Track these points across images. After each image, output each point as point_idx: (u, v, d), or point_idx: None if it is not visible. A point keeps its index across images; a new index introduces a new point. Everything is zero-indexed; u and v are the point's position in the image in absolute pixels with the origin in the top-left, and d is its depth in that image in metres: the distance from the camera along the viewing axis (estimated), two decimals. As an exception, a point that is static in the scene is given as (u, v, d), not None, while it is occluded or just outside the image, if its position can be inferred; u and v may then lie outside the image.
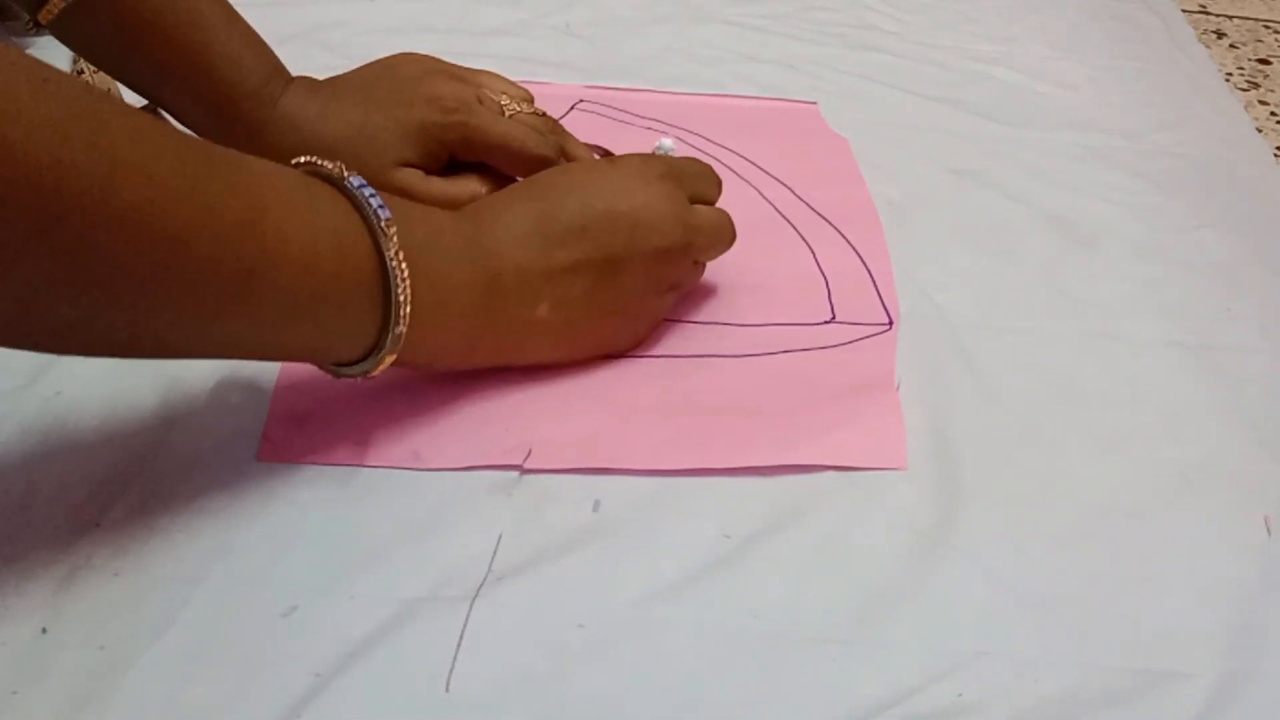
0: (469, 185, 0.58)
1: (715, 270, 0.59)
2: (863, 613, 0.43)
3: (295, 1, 0.79)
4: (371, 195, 0.42)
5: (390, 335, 0.43)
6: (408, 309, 0.42)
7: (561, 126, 0.61)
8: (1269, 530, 0.48)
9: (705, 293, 0.57)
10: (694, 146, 0.69)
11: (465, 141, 0.57)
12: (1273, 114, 0.84)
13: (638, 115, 0.71)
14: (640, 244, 0.50)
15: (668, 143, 0.64)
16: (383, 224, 0.42)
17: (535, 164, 0.57)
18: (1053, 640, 0.43)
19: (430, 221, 0.46)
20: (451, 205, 0.52)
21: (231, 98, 0.54)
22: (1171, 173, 0.72)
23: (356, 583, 0.42)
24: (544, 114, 0.61)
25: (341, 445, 0.47)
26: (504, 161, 0.58)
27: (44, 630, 0.39)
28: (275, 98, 0.55)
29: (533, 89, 0.72)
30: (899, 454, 0.50)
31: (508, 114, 0.59)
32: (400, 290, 0.42)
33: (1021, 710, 0.40)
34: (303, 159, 0.44)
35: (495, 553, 0.43)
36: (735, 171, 0.67)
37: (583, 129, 0.69)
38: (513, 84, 0.61)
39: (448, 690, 0.39)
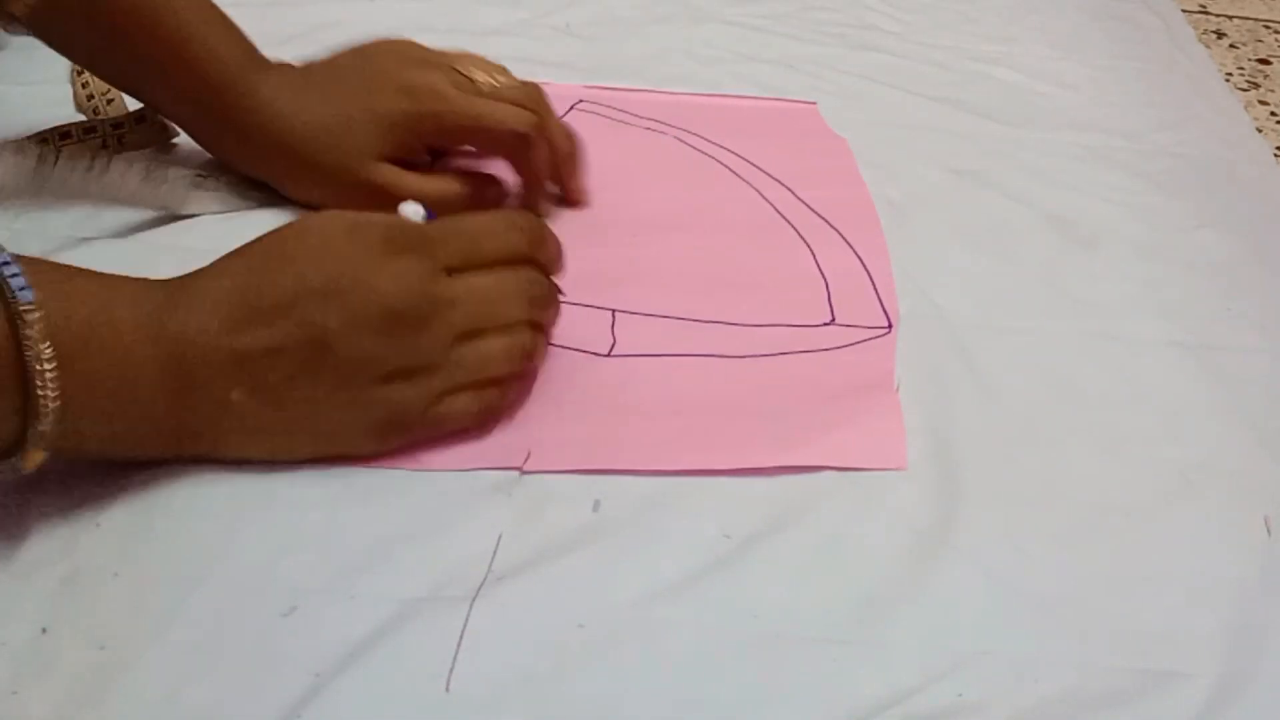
0: (446, 183, 0.57)
1: (715, 270, 0.59)
2: (863, 613, 0.43)
3: (295, 1, 0.79)
4: (14, 275, 0.37)
5: (32, 433, 0.38)
6: (54, 403, 0.38)
7: (544, 95, 0.60)
8: (1269, 530, 0.48)
9: (705, 293, 0.57)
10: (693, 146, 0.69)
11: (440, 129, 0.57)
12: (1273, 114, 0.84)
13: (637, 115, 0.71)
14: (358, 321, 0.43)
15: (410, 208, 0.50)
16: (20, 309, 0.37)
17: (514, 142, 0.57)
18: (1053, 640, 0.43)
19: (103, 295, 0.41)
20: (432, 203, 0.51)
21: (212, 89, 0.54)
22: (1171, 173, 0.72)
23: (356, 583, 0.42)
24: (525, 84, 0.59)
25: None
26: (484, 144, 0.58)
27: (44, 630, 0.39)
28: (255, 89, 0.55)
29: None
30: (899, 454, 0.50)
31: (485, 91, 0.57)
32: (41, 385, 0.37)
33: (1021, 710, 0.40)
34: None
35: (495, 553, 0.43)
36: (735, 172, 0.67)
37: (583, 129, 0.69)
38: (488, 62, 0.59)
39: (448, 690, 0.39)
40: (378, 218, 0.46)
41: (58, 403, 0.38)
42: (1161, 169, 0.72)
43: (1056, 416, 0.53)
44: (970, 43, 0.84)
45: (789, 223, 0.64)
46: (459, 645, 0.40)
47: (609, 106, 0.72)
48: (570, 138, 0.61)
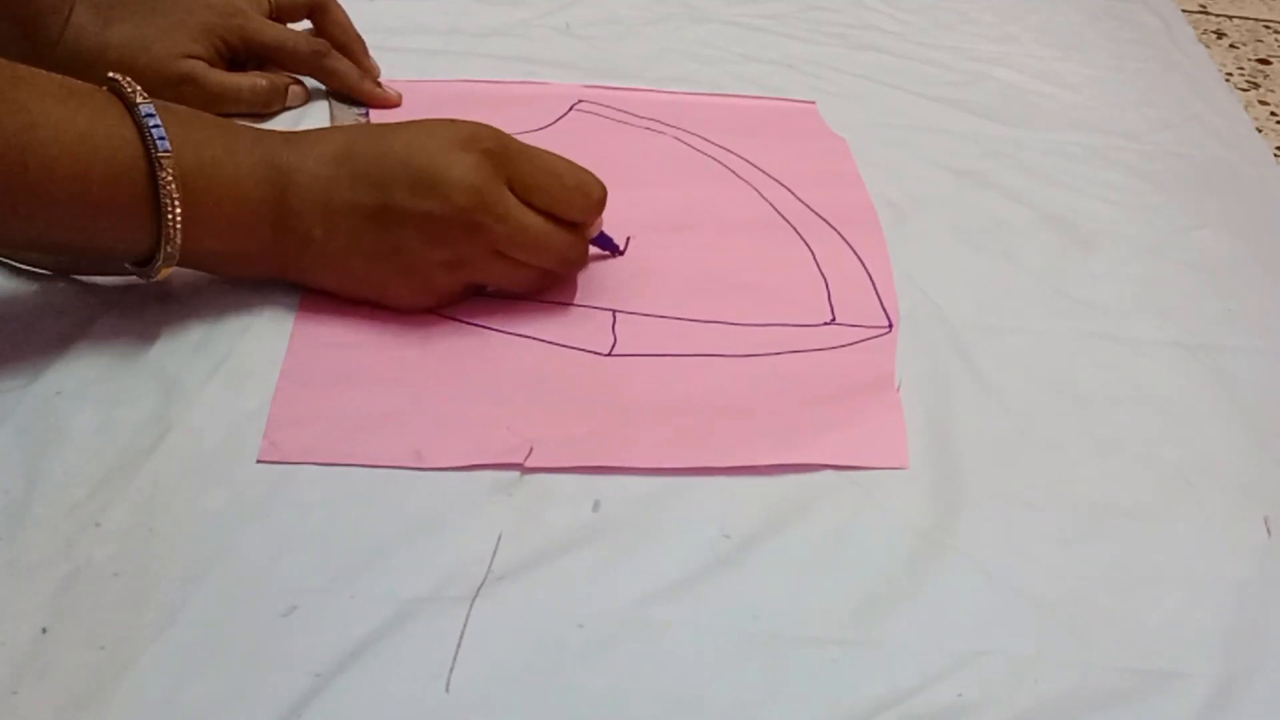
0: (250, 77, 0.65)
1: (715, 270, 0.59)
2: (863, 613, 0.43)
3: (295, 1, 0.79)
4: (155, 126, 0.46)
5: (162, 252, 0.47)
6: (178, 234, 0.47)
7: (328, 46, 0.69)
8: (1269, 530, 0.48)
9: (705, 293, 0.57)
10: (693, 146, 0.69)
11: (244, 41, 0.65)
12: (1273, 114, 0.84)
13: (637, 115, 0.71)
14: (418, 204, 0.50)
15: (341, 110, 0.67)
16: (159, 155, 0.46)
17: (308, 59, 0.67)
18: (1053, 640, 0.43)
19: (228, 139, 0.49)
20: (233, 94, 0.64)
21: (36, 14, 0.60)
22: (1171, 173, 0.72)
23: (356, 583, 0.42)
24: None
25: (343, 445, 0.47)
26: (281, 59, 0.67)
27: (44, 630, 0.39)
28: (67, 12, 0.60)
29: (533, 89, 0.72)
30: (900, 453, 0.50)
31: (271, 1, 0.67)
32: (170, 218, 0.46)
33: (1021, 710, 0.40)
34: (111, 75, 0.47)
35: (495, 553, 0.43)
36: (734, 171, 0.67)
37: (583, 129, 0.69)
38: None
39: (448, 690, 0.39)
40: (480, 123, 0.52)
41: (181, 229, 0.47)
42: (1161, 169, 0.72)
43: (1056, 416, 0.53)
44: (970, 43, 0.84)
45: (788, 223, 0.64)
46: (459, 645, 0.40)
47: (608, 106, 0.72)
48: (351, 29, 0.70)
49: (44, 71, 0.46)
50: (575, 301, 0.55)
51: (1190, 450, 0.52)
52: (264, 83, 0.66)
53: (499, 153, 0.51)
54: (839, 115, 0.73)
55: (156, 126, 0.46)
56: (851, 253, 0.62)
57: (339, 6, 0.69)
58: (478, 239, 0.51)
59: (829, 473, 0.48)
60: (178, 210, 0.46)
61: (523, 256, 0.52)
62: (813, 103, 0.75)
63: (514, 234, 0.51)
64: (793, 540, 0.45)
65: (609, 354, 0.53)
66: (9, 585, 0.40)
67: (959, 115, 0.75)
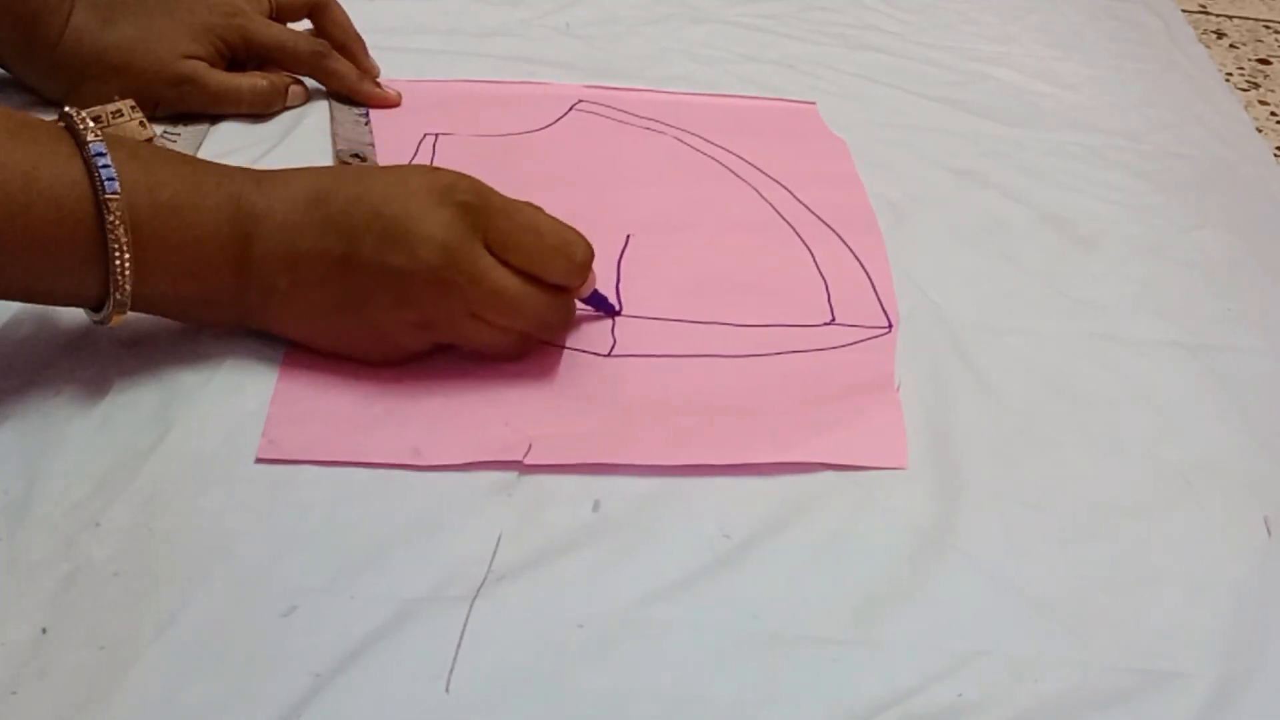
0: (251, 77, 0.65)
1: (715, 271, 0.59)
2: (863, 613, 0.43)
3: (295, 1, 0.79)
4: (105, 165, 0.43)
5: (111, 300, 0.45)
6: (127, 281, 0.44)
7: (328, 47, 0.69)
8: (1269, 530, 0.48)
9: (705, 293, 0.57)
10: (692, 146, 0.69)
11: (245, 41, 0.65)
12: (1273, 114, 0.84)
13: (637, 115, 0.71)
14: (385, 257, 0.47)
15: (343, 112, 0.68)
16: (106, 197, 0.43)
17: (307, 60, 0.67)
18: (1053, 640, 0.43)
19: (191, 179, 0.47)
20: (233, 94, 0.64)
21: (33, 16, 0.60)
22: (1171, 173, 0.72)
23: (356, 583, 0.42)
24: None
25: (342, 444, 0.47)
26: (281, 59, 0.67)
27: (44, 630, 0.39)
28: (68, 12, 0.61)
29: (532, 89, 0.72)
30: (900, 453, 0.50)
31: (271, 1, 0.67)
32: (118, 264, 0.44)
33: (1021, 710, 0.40)
34: (65, 110, 0.45)
35: (495, 553, 0.43)
36: (734, 172, 0.67)
37: (582, 129, 0.69)
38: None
39: (448, 690, 0.39)
40: (455, 171, 0.49)
41: (131, 275, 0.44)
42: (1161, 169, 0.72)
43: (1056, 416, 0.53)
44: (970, 43, 0.84)
45: (788, 223, 0.64)
46: (459, 645, 0.40)
47: (608, 106, 0.72)
48: (350, 29, 0.70)
49: None
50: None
51: (1190, 450, 0.52)
52: (264, 83, 0.65)
53: (477, 206, 0.48)
54: (839, 115, 0.73)
55: (106, 166, 0.43)
56: (850, 253, 0.62)
57: (339, 6, 0.69)
58: (448, 299, 0.48)
59: (829, 473, 0.48)
60: (126, 256, 0.44)
61: (497, 319, 0.49)
62: (813, 103, 0.75)
63: (487, 296, 0.48)
64: (793, 540, 0.45)
65: (609, 354, 0.53)
66: (9, 585, 0.40)
67: (959, 115, 0.75)
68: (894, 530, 0.46)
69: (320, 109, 0.68)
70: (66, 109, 0.45)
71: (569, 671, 0.40)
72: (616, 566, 0.44)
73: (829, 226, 0.63)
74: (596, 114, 0.71)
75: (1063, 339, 0.57)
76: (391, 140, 0.66)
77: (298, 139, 0.65)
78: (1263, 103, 0.86)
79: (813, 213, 0.64)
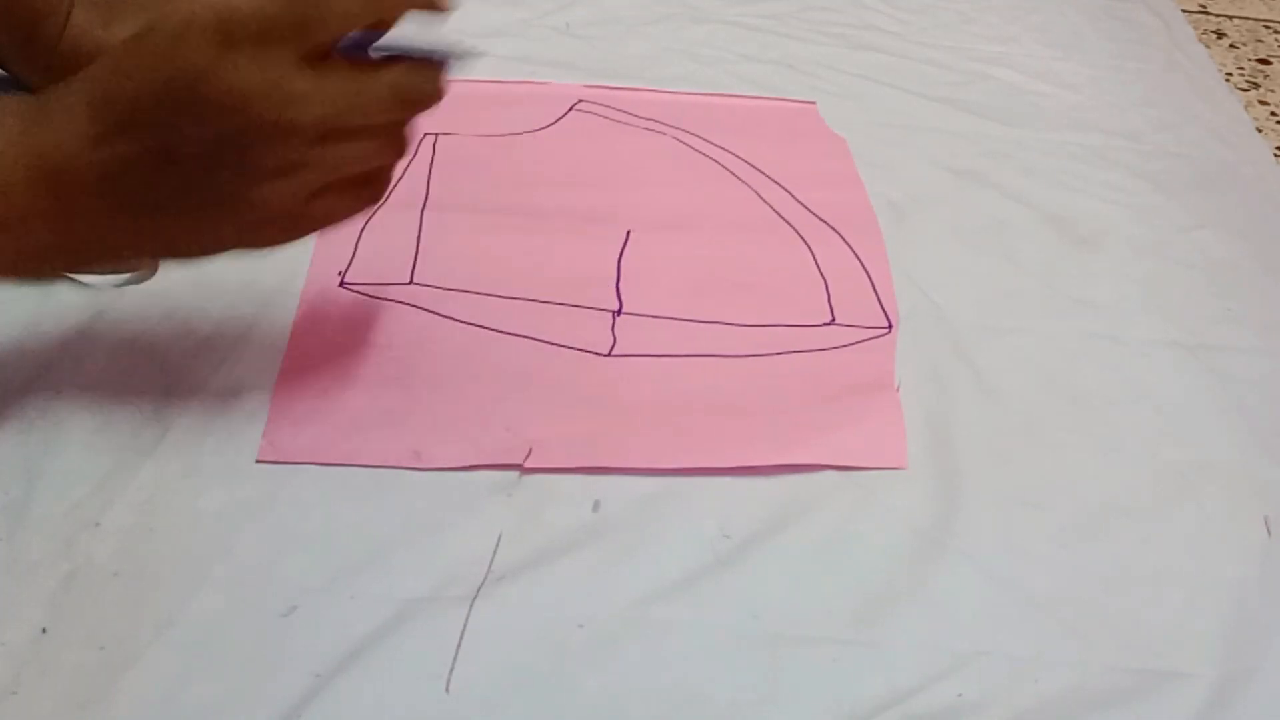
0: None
1: (715, 271, 0.59)
2: (863, 613, 0.43)
3: (295, 1, 0.79)
4: None
5: None
6: None
7: None
8: (1269, 530, 0.48)
9: (705, 293, 0.57)
10: (692, 147, 0.69)
11: None
12: (1273, 114, 0.84)
13: (636, 115, 0.71)
14: (204, 124, 0.40)
15: None
16: None
17: None
18: (1053, 640, 0.43)
19: None
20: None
21: (28, 15, 0.57)
22: (1171, 173, 0.72)
23: (356, 583, 0.42)
24: None
25: (342, 445, 0.47)
26: None
27: (44, 630, 0.39)
28: (67, 11, 0.58)
29: (533, 89, 0.72)
30: (899, 454, 0.50)
31: None
32: None
33: (1021, 710, 0.40)
34: None
35: (495, 553, 0.43)
36: (734, 172, 0.67)
37: (582, 129, 0.69)
38: None
39: (448, 690, 0.39)
40: (222, 3, 0.41)
41: None
42: (1161, 169, 0.72)
43: (1056, 416, 0.53)
44: (970, 43, 0.84)
45: (788, 223, 0.64)
46: (459, 645, 0.40)
47: (608, 106, 0.72)
48: None
49: None
50: (575, 303, 0.55)
51: (1190, 450, 0.52)
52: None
53: (275, 33, 0.41)
54: (839, 115, 0.73)
55: None
56: (851, 253, 0.62)
57: None
58: (296, 136, 0.41)
59: (829, 473, 0.48)
60: None
61: (350, 122, 0.43)
62: (813, 103, 0.75)
63: (337, 106, 0.42)
64: (793, 540, 0.45)
65: (609, 354, 0.53)
66: (9, 585, 0.40)
67: (959, 115, 0.75)
68: (894, 530, 0.46)
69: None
70: None
71: (569, 671, 0.40)
72: (616, 566, 0.44)
73: (829, 226, 0.63)
74: (596, 114, 0.71)
75: (1063, 339, 0.57)
76: None
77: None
78: (1263, 103, 0.85)
79: (813, 213, 0.64)
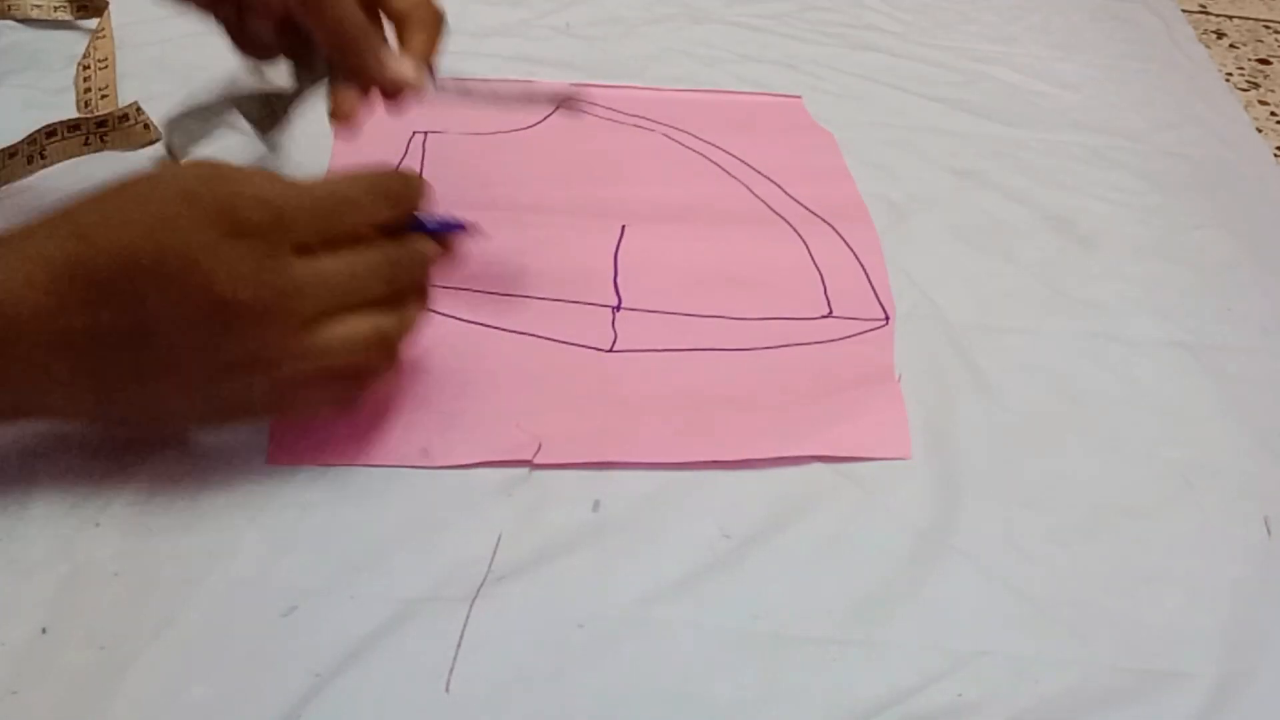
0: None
1: (713, 265, 0.59)
2: (863, 613, 0.43)
3: (295, 1, 0.79)
4: None
5: None
6: None
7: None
8: (1269, 530, 0.48)
9: (704, 288, 0.58)
10: (681, 143, 0.69)
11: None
12: (1273, 114, 0.84)
13: (625, 113, 0.71)
14: (185, 310, 0.38)
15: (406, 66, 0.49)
16: None
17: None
18: (1053, 640, 0.43)
19: None
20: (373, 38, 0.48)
21: None
22: (1171, 173, 0.72)
23: (356, 583, 0.42)
24: None
25: (350, 444, 0.47)
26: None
27: (44, 630, 0.39)
28: None
29: (517, 87, 0.72)
30: (903, 443, 0.50)
31: None
32: None
33: (1021, 710, 0.40)
34: None
35: (495, 553, 0.43)
36: (724, 168, 0.67)
37: (571, 126, 0.69)
38: None
39: (448, 690, 0.39)
40: (224, 184, 0.39)
41: None
42: (1161, 169, 0.72)
43: (1056, 416, 0.53)
44: (970, 43, 0.84)
45: (781, 217, 0.64)
46: (459, 645, 0.40)
47: (595, 104, 0.72)
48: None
49: None
50: (575, 300, 0.55)
51: (1190, 450, 0.52)
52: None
53: (269, 221, 0.39)
54: (839, 115, 0.73)
55: None
56: (845, 246, 0.62)
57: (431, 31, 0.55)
58: (279, 324, 0.40)
59: (829, 472, 0.48)
60: None
61: (342, 305, 0.41)
62: (799, 97, 0.75)
63: (326, 294, 0.40)
64: (793, 540, 0.45)
65: (610, 350, 0.53)
66: (9, 585, 0.40)
67: (959, 115, 0.75)
68: (894, 530, 0.46)
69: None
70: None
71: (569, 671, 0.40)
72: (616, 566, 0.44)
73: (822, 219, 0.63)
74: (584, 111, 0.71)
75: (1063, 339, 0.57)
76: (381, 139, 0.65)
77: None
78: (1263, 103, 0.85)
79: (805, 207, 0.64)
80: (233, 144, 0.56)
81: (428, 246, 0.44)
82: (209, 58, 0.62)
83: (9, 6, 0.71)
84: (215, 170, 0.40)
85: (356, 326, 0.41)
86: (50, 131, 0.60)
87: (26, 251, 0.38)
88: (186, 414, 0.42)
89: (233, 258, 0.38)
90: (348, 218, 0.41)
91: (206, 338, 0.39)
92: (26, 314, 0.38)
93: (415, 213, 0.44)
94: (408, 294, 0.43)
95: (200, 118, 0.53)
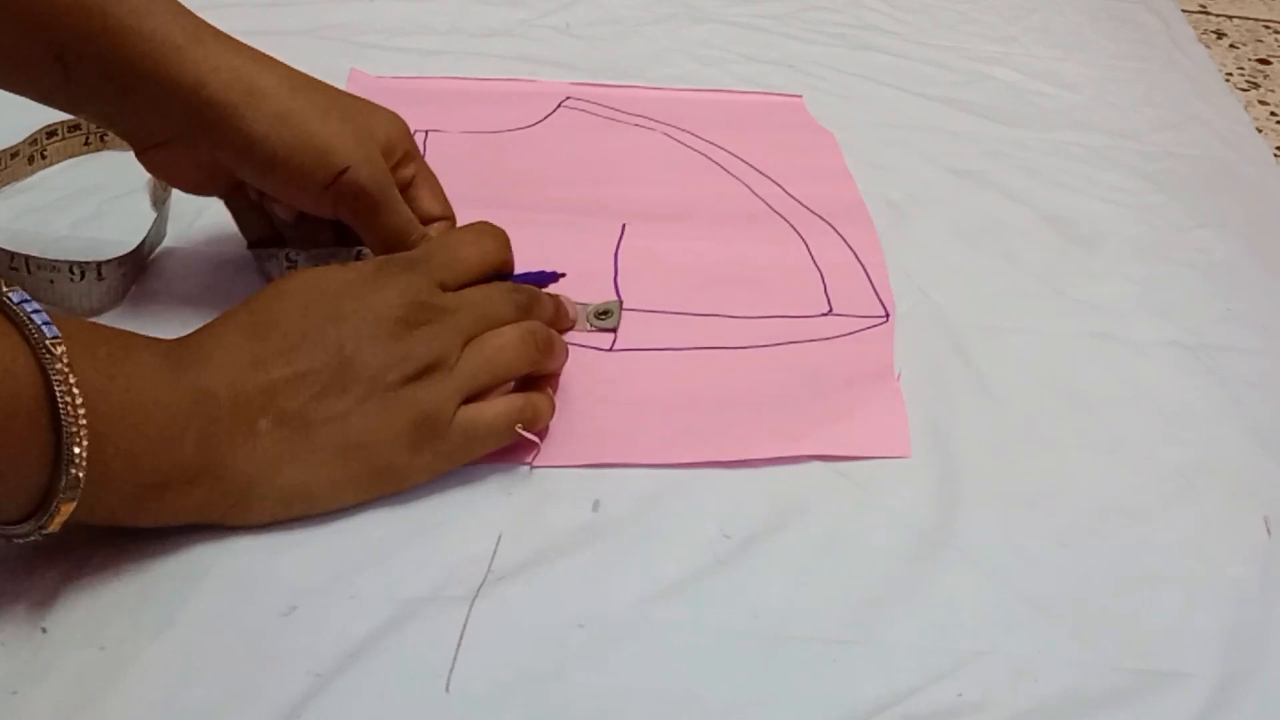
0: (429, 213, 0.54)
1: (713, 264, 0.59)
2: (863, 613, 0.43)
3: (295, 2, 0.79)
4: (36, 311, 0.36)
5: (65, 479, 0.35)
6: (85, 441, 0.35)
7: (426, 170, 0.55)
8: (1269, 530, 0.48)
9: (704, 287, 0.58)
10: (681, 142, 0.69)
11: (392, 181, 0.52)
12: (1273, 114, 0.84)
13: (625, 112, 0.71)
14: (372, 333, 0.43)
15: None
16: (47, 341, 0.35)
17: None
18: (1053, 640, 0.43)
19: (120, 336, 0.40)
20: (407, 226, 0.52)
21: (168, 48, 0.46)
22: (1171, 173, 0.72)
23: (356, 583, 0.42)
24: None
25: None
26: (363, 219, 0.52)
27: (44, 630, 0.39)
28: (210, 44, 0.48)
29: (519, 86, 0.73)
30: (903, 441, 0.50)
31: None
32: (72, 422, 0.35)
33: (1021, 710, 0.40)
34: None
35: (495, 553, 0.43)
36: (724, 167, 0.67)
37: (570, 126, 0.69)
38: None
39: (448, 690, 0.39)
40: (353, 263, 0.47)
41: (86, 441, 0.36)
42: (1161, 169, 0.72)
43: (1056, 416, 0.53)
44: (970, 43, 0.84)
45: (781, 216, 0.64)
46: (459, 645, 0.40)
47: (595, 103, 0.72)
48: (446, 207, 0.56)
49: None
50: (576, 299, 0.55)
51: (1190, 450, 0.52)
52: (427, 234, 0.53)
53: (417, 266, 0.46)
54: (839, 115, 0.73)
55: (38, 312, 0.36)
56: (844, 244, 0.62)
57: (436, 183, 0.56)
58: (447, 328, 0.45)
59: (829, 472, 0.48)
60: (80, 412, 0.35)
61: (493, 321, 0.47)
62: (799, 96, 0.75)
63: (472, 308, 0.46)
64: (793, 540, 0.45)
65: (610, 349, 0.53)
66: (9, 585, 0.40)
67: (959, 115, 0.75)
68: (894, 530, 0.46)
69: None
70: None
71: (569, 671, 0.40)
72: (616, 566, 0.44)
73: (821, 218, 0.64)
74: (584, 110, 0.71)
75: (1063, 339, 0.57)
76: None
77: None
78: (1263, 103, 0.86)
79: (804, 206, 0.64)
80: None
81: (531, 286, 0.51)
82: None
83: None
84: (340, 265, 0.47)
85: (514, 330, 0.47)
86: (51, 131, 0.60)
87: (206, 341, 0.43)
88: (385, 441, 0.44)
89: (398, 287, 0.45)
90: (469, 254, 0.48)
91: (392, 351, 0.44)
92: (229, 377, 0.41)
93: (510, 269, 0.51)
94: (533, 316, 0.49)
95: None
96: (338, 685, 0.38)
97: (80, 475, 0.36)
